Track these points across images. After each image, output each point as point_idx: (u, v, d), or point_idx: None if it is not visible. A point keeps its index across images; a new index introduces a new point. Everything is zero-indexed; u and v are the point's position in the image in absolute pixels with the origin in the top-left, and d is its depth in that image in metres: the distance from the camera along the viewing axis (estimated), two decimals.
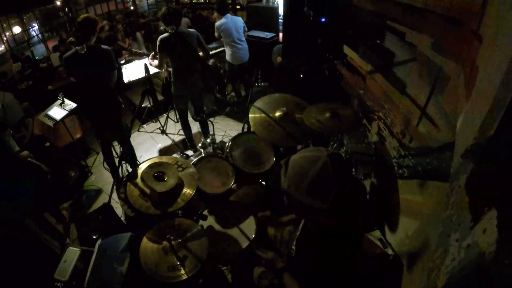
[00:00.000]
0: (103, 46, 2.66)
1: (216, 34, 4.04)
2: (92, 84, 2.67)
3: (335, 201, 0.96)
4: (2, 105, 2.69)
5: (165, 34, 2.85)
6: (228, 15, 3.96)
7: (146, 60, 3.68)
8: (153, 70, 3.65)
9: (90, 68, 2.59)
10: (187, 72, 3.02)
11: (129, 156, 3.17)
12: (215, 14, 4.13)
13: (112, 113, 2.89)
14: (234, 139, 2.36)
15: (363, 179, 2.31)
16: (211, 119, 4.07)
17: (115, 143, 3.54)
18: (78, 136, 3.77)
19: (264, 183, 2.25)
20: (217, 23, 3.95)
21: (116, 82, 2.89)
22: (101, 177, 3.48)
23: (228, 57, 4.24)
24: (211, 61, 4.34)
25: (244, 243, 1.75)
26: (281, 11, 4.13)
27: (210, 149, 2.50)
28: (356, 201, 1.03)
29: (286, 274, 1.32)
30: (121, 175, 3.21)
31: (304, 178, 0.96)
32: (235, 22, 3.99)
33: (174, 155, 3.21)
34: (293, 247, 1.19)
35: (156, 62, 3.02)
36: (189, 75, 3.04)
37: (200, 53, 3.07)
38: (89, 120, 2.85)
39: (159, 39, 2.84)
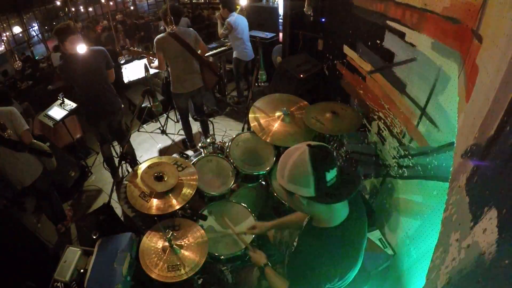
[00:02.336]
0: (96, 47, 2.66)
1: (225, 31, 3.94)
2: (91, 86, 2.67)
3: (319, 188, 0.98)
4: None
5: (162, 34, 2.85)
6: (234, 13, 3.96)
7: (146, 61, 3.67)
8: (153, 70, 3.65)
9: (86, 71, 2.58)
10: (185, 71, 3.02)
11: (129, 156, 3.17)
12: (217, 14, 4.11)
13: (112, 114, 2.89)
14: (234, 139, 2.36)
15: (363, 179, 2.31)
16: (211, 119, 4.07)
17: (115, 143, 3.54)
18: (78, 136, 3.77)
19: (264, 183, 2.25)
20: (230, 19, 3.89)
21: (115, 82, 2.89)
22: (101, 177, 3.48)
23: (237, 54, 4.22)
24: (211, 59, 4.34)
25: (244, 243, 1.74)
26: (281, 11, 4.13)
27: (210, 149, 2.50)
28: (347, 189, 1.02)
29: (268, 268, 1.37)
30: (121, 175, 3.21)
31: (285, 167, 1.02)
32: (242, 20, 3.99)
33: (174, 155, 3.21)
34: (295, 243, 1.20)
35: (155, 63, 3.01)
36: (187, 74, 3.04)
37: (199, 51, 3.06)
38: (88, 122, 2.85)
39: (155, 39, 2.84)
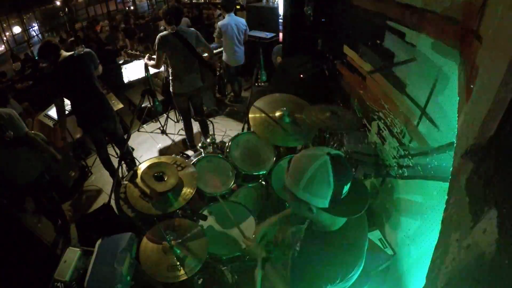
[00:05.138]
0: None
1: (216, 34, 4.02)
2: (82, 92, 2.63)
3: (334, 200, 0.97)
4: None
5: (165, 32, 2.87)
6: (232, 14, 3.95)
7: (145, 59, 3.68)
8: (153, 70, 3.65)
9: (75, 77, 2.55)
10: (185, 70, 3.02)
11: (128, 157, 3.15)
12: (217, 13, 4.11)
13: (105, 120, 2.83)
14: (234, 139, 2.36)
15: (363, 179, 2.31)
16: (211, 119, 4.07)
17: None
18: (78, 136, 3.77)
19: (264, 183, 2.25)
20: (220, 23, 3.92)
21: (115, 82, 2.88)
22: (101, 177, 3.48)
23: (225, 58, 4.23)
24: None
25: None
26: (281, 11, 4.13)
27: (210, 149, 2.50)
28: (358, 203, 1.02)
29: (268, 265, 1.33)
30: (121, 175, 3.21)
31: (303, 175, 0.98)
32: (237, 23, 3.98)
33: (174, 155, 3.21)
34: (297, 248, 1.19)
35: (153, 61, 3.01)
36: (187, 73, 3.04)
37: (205, 54, 3.07)
38: (82, 128, 2.83)
39: (158, 36, 2.85)
